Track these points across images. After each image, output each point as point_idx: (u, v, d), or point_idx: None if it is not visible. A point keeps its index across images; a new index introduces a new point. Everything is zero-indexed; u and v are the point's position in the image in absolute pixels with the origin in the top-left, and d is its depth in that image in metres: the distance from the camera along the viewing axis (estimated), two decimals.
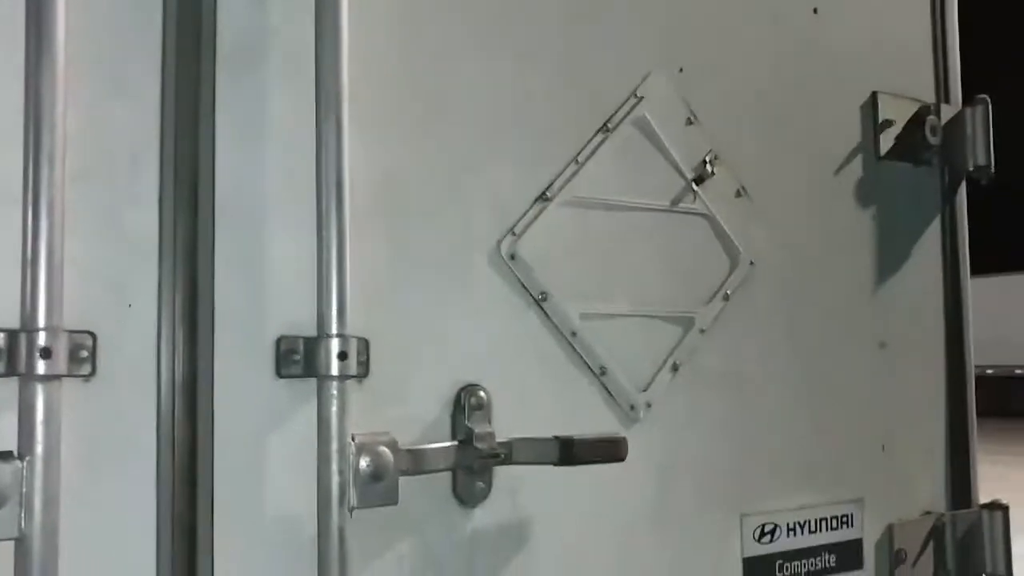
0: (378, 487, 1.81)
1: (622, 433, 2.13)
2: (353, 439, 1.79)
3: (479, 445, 1.97)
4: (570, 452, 2.02)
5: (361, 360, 1.87)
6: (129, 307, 1.70)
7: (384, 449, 1.83)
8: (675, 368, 2.31)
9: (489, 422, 2.03)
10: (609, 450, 2.08)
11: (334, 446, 1.77)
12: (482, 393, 2.03)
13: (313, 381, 1.81)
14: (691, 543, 2.32)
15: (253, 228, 1.81)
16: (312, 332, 1.80)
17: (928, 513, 2.78)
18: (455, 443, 1.97)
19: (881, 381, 2.72)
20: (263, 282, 1.81)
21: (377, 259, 1.93)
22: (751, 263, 2.47)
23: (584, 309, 2.18)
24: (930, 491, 2.81)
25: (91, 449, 1.64)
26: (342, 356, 1.78)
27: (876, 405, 2.71)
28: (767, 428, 2.47)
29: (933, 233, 2.89)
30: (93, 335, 1.65)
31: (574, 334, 2.16)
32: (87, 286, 1.65)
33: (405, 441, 1.87)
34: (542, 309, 2.13)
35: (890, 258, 2.78)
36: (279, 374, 1.81)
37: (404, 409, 1.95)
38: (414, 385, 1.97)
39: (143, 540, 1.67)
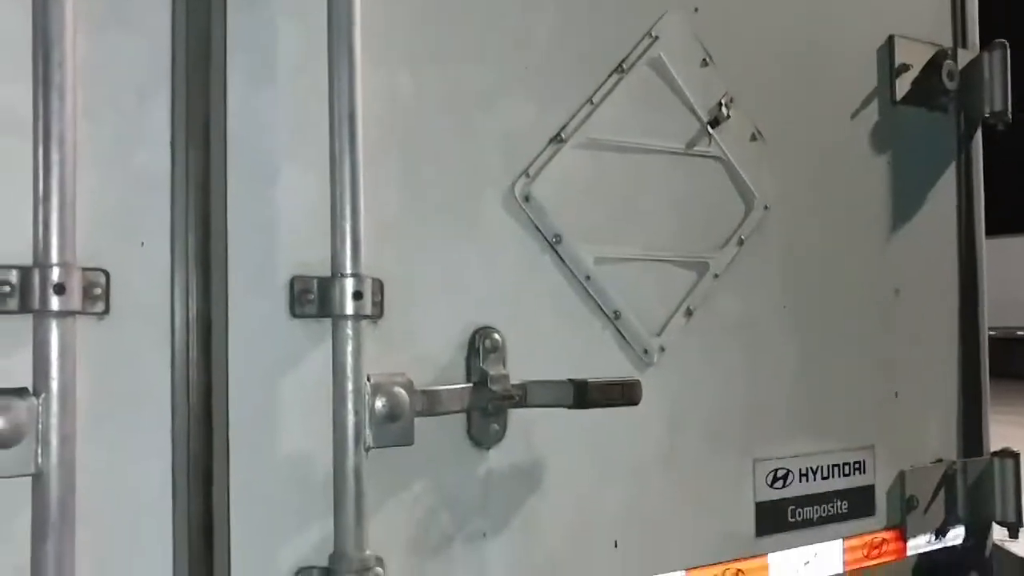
0: (393, 427, 1.80)
1: (635, 377, 2.13)
2: (369, 379, 1.78)
3: (494, 387, 1.96)
4: (584, 395, 2.01)
5: (375, 301, 1.85)
6: (142, 245, 1.68)
7: (400, 390, 1.82)
8: (689, 313, 2.30)
9: (503, 364, 2.01)
10: (624, 393, 2.07)
11: (350, 386, 1.76)
12: (496, 335, 2.01)
13: (328, 322, 1.79)
14: (703, 487, 2.31)
15: (266, 165, 1.78)
16: (326, 272, 1.78)
17: (939, 461, 2.77)
18: (470, 385, 1.96)
19: (895, 328, 2.71)
20: (276, 221, 1.79)
21: (390, 199, 1.91)
22: (766, 207, 2.44)
23: (598, 252, 2.16)
24: (942, 439, 2.81)
25: (106, 388, 1.62)
26: (357, 296, 1.76)
27: (889, 352, 2.70)
28: (780, 373, 2.46)
29: (948, 181, 2.86)
30: (106, 273, 1.63)
31: (588, 278, 2.15)
32: (99, 224, 1.63)
33: (420, 383, 1.86)
34: (556, 252, 2.11)
35: (905, 205, 2.75)
36: (293, 314, 1.79)
37: (418, 351, 1.93)
38: (428, 327, 1.95)
39: (158, 479, 1.66)
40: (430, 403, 1.88)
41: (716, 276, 2.34)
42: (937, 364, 2.81)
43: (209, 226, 1.73)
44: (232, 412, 1.72)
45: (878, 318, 2.68)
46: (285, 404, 1.78)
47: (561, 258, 2.12)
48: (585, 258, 2.14)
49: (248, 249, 1.76)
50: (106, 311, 1.63)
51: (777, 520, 2.43)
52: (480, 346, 1.99)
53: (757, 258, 2.42)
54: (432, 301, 1.96)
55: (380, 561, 1.81)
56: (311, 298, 1.81)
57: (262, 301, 1.77)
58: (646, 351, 2.22)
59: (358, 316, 1.76)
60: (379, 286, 1.87)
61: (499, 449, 2.02)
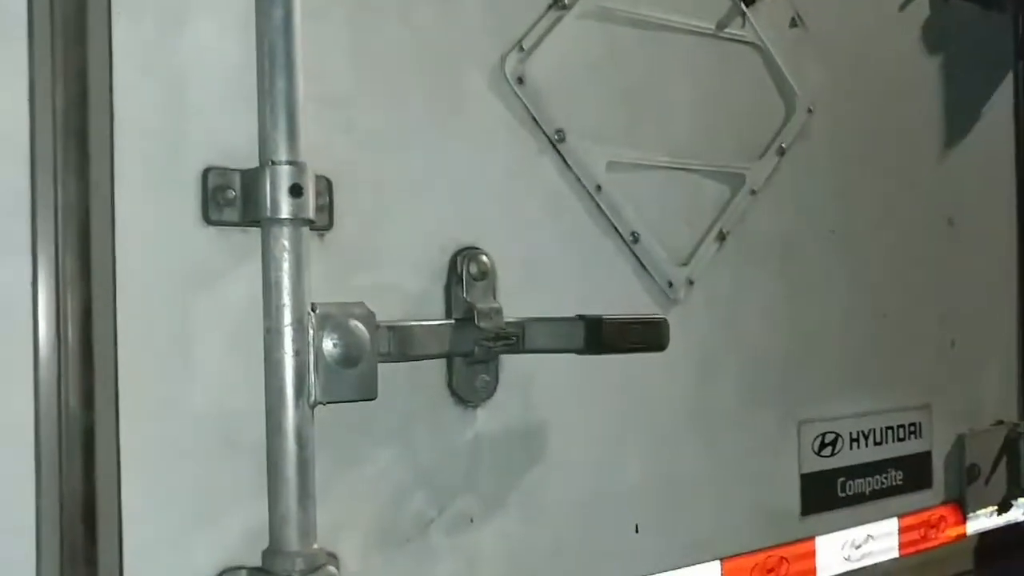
0: (349, 375, 1.31)
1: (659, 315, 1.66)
2: (313, 309, 1.29)
3: (483, 325, 1.47)
4: (598, 337, 1.53)
5: (321, 204, 1.36)
6: None
7: (357, 324, 1.32)
8: (721, 237, 1.83)
9: (493, 296, 1.53)
10: (647, 335, 1.60)
11: (287, 318, 1.26)
12: (484, 258, 1.52)
13: (255, 231, 1.30)
14: (740, 455, 1.85)
15: (167, 11, 1.28)
16: (252, 162, 1.29)
17: (1000, 423, 2.35)
18: (451, 322, 1.47)
19: (948, 263, 2.27)
20: (181, 91, 1.28)
21: (338, 69, 1.41)
22: (809, 110, 1.98)
23: (611, 155, 1.68)
24: (1000, 396, 2.38)
25: None
26: (295, 191, 1.26)
27: (944, 291, 2.26)
28: (827, 315, 2.01)
29: (1004, 94, 2.43)
30: None
31: (599, 188, 1.67)
32: None
33: (384, 319, 1.36)
34: (558, 153, 1.63)
35: (957, 118, 2.31)
36: (207, 220, 1.29)
37: (380, 277, 1.44)
38: (393, 245, 1.45)
39: (15, 441, 1.16)
40: (399, 343, 1.39)
41: (753, 192, 1.88)
42: (994, 305, 2.39)
43: (86, 90, 1.22)
44: (122, 353, 1.22)
45: (930, 251, 2.24)
46: (197, 343, 1.28)
47: (565, 161, 1.63)
48: (595, 162, 1.66)
49: (142, 129, 1.25)
50: None
51: (825, 495, 1.98)
52: (464, 271, 1.50)
53: (800, 172, 1.96)
54: (398, 211, 1.46)
55: (333, 558, 1.33)
56: (231, 197, 1.30)
57: (163, 202, 1.27)
58: (670, 284, 1.75)
59: (298, 220, 1.27)
60: (326, 185, 1.38)
61: (489, 407, 1.53)
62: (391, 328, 1.38)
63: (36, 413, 1.17)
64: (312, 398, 1.27)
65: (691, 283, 1.77)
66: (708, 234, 1.81)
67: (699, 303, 1.79)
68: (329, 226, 1.38)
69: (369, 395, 1.32)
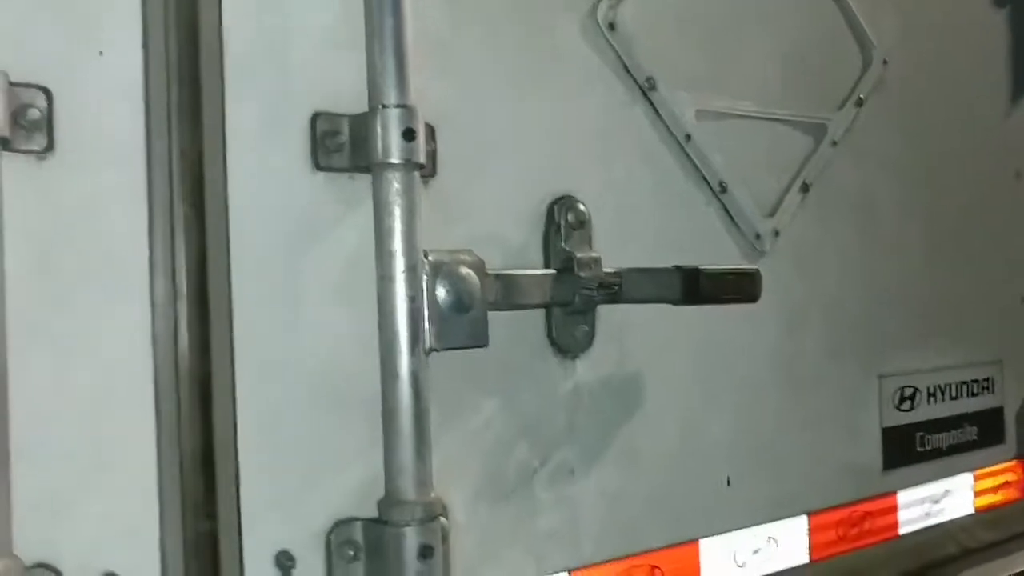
0: (461, 323, 1.29)
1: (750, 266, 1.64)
2: (426, 256, 1.27)
3: (583, 274, 1.45)
4: (696, 288, 1.51)
5: (428, 151, 1.34)
6: (100, 55, 1.14)
7: (468, 271, 1.31)
8: (805, 188, 1.81)
9: (590, 246, 1.51)
10: (742, 286, 1.58)
11: (400, 264, 1.24)
12: (581, 207, 1.50)
13: (363, 179, 1.28)
14: (824, 407, 1.84)
15: None
16: (361, 106, 1.26)
17: None
18: (552, 271, 1.46)
19: (1017, 217, 2.25)
20: (289, 36, 1.26)
21: (436, 16, 1.38)
22: (884, 61, 1.95)
23: (700, 104, 1.66)
24: None
25: (58, 247, 1.10)
26: (408, 135, 1.24)
27: (1013, 246, 2.23)
28: (904, 266, 1.99)
29: None
30: (46, 91, 1.10)
31: (688, 137, 1.64)
32: (35, 23, 1.10)
33: (492, 264, 1.35)
34: (649, 101, 1.60)
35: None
36: (317, 166, 1.27)
37: (480, 226, 1.42)
38: (492, 193, 1.43)
39: (135, 390, 1.14)
40: (505, 292, 1.37)
41: (834, 143, 1.86)
42: None
43: (197, 34, 1.20)
44: (236, 304, 1.20)
45: (999, 204, 2.22)
46: (309, 292, 1.26)
47: (655, 109, 1.61)
48: (684, 111, 1.64)
49: (251, 74, 1.23)
50: (50, 147, 1.10)
51: (905, 450, 1.96)
52: (562, 220, 1.48)
53: (877, 123, 1.94)
54: (497, 159, 1.44)
55: (444, 508, 1.31)
56: (341, 143, 1.28)
57: (274, 148, 1.24)
58: (758, 235, 1.73)
59: (409, 164, 1.24)
60: (431, 133, 1.35)
61: (588, 358, 1.52)
62: (498, 276, 1.36)
63: (154, 366, 1.15)
64: (427, 345, 1.25)
65: (776, 234, 1.75)
66: (792, 185, 1.79)
67: (784, 255, 1.76)
68: (433, 173, 1.36)
69: (480, 342, 1.31)
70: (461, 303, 1.28)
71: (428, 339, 1.26)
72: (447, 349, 1.27)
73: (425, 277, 1.26)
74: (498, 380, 1.42)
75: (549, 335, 1.48)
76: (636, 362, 1.57)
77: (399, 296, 1.24)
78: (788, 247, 1.77)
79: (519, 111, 1.46)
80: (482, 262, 1.32)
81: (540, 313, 1.47)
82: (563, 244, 1.48)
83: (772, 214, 1.75)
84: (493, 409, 1.41)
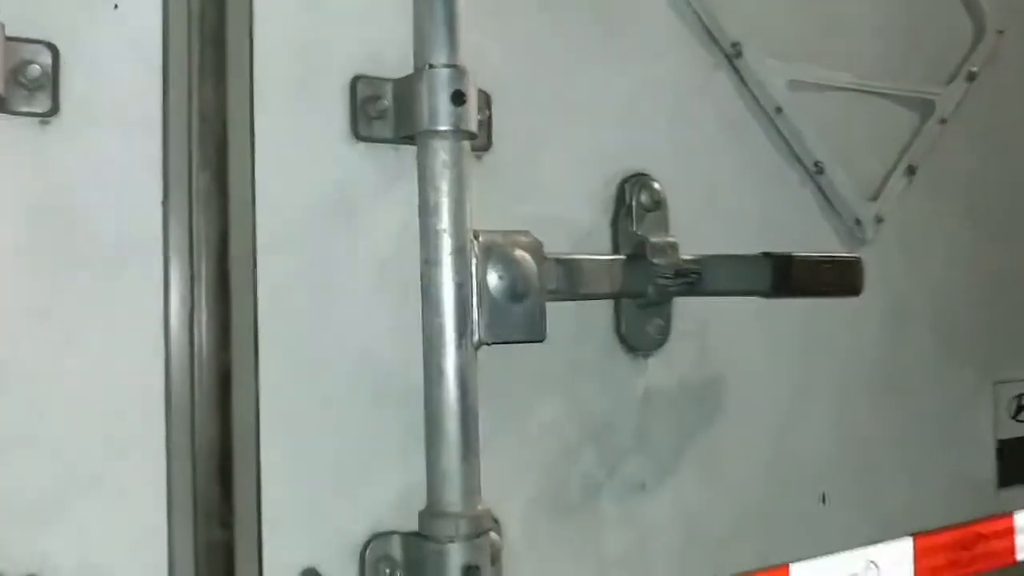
0: (515, 313, 1.14)
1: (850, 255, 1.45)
2: (477, 237, 1.12)
3: (657, 261, 1.28)
4: (788, 277, 1.33)
5: (481, 119, 1.19)
6: (115, 8, 1.02)
7: (524, 255, 1.15)
8: (911, 171, 1.61)
9: (666, 230, 1.34)
10: (842, 277, 1.39)
11: (447, 246, 1.09)
12: (656, 186, 1.34)
13: (408, 151, 1.13)
14: (933, 417, 1.63)
15: None
16: (406, 68, 1.12)
17: None
18: (622, 257, 1.29)
19: None
20: None
21: None
22: (999, 32, 1.74)
23: (792, 74, 1.48)
24: None
25: (60, 226, 0.98)
26: (457, 98, 1.09)
27: None
28: (1019, 255, 1.77)
29: None
30: (52, 48, 0.98)
31: (779, 110, 1.46)
32: None
33: (547, 251, 1.19)
34: (734, 69, 1.43)
35: None
36: (357, 135, 1.13)
37: (542, 205, 1.26)
38: (556, 170, 1.28)
39: (147, 370, 1.01)
40: (567, 280, 1.21)
41: (943, 121, 1.65)
42: None
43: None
44: (261, 287, 1.07)
45: None
46: (343, 276, 1.12)
47: (741, 78, 1.43)
48: (775, 80, 1.46)
49: (284, 34, 1.09)
50: (55, 109, 0.98)
51: (1023, 465, 1.74)
52: (634, 201, 1.32)
53: (990, 99, 1.73)
54: (561, 132, 1.28)
55: (496, 523, 1.16)
56: (383, 109, 1.14)
57: (307, 116, 1.11)
58: (858, 221, 1.54)
59: (459, 132, 1.09)
60: (484, 99, 1.20)
61: (661, 356, 1.35)
62: (559, 262, 1.20)
63: (167, 355, 1.02)
64: (476, 338, 1.10)
65: (879, 221, 1.56)
66: (897, 166, 1.59)
67: (889, 244, 1.57)
68: (488, 146, 1.21)
69: (537, 336, 1.15)
70: (515, 291, 1.13)
71: (477, 331, 1.10)
72: (499, 343, 1.12)
73: (475, 261, 1.11)
74: (558, 379, 1.26)
75: (618, 330, 1.31)
76: (717, 362, 1.40)
77: (445, 282, 1.09)
78: (892, 235, 1.58)
79: (587, 78, 1.30)
80: (540, 244, 1.16)
81: (608, 305, 1.31)
82: (635, 228, 1.31)
83: (874, 198, 1.56)
84: (553, 412, 1.26)
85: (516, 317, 1.13)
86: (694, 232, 1.35)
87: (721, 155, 1.41)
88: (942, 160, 1.65)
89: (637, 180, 1.32)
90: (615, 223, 1.31)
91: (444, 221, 1.10)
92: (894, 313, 1.57)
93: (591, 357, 1.29)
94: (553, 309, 1.18)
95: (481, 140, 1.20)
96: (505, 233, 1.15)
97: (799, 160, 1.48)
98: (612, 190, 1.32)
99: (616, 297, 1.29)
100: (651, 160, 1.34)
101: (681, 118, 1.38)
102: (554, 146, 1.27)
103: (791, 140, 1.47)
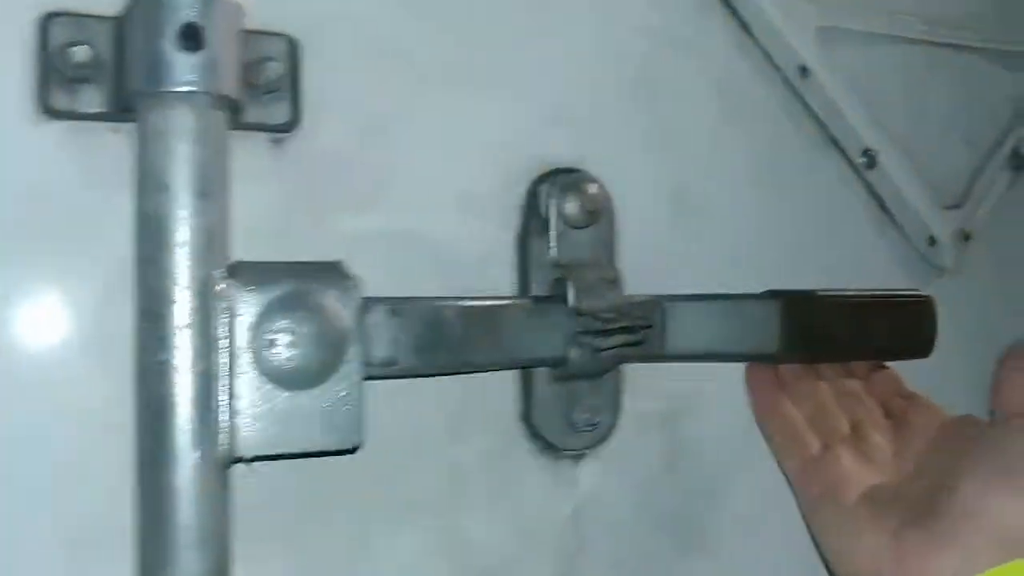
0: (304, 405, 0.66)
1: (917, 290, 0.94)
2: (230, 275, 0.65)
3: (584, 305, 0.79)
4: (808, 331, 0.85)
5: (272, 79, 0.72)
6: None
7: (325, 301, 0.67)
8: (1018, 162, 1.09)
9: (609, 255, 0.85)
10: (900, 329, 0.90)
11: (177, 282, 0.63)
12: (593, 188, 0.84)
13: (126, 129, 0.67)
14: None
15: None
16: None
17: None
18: (525, 301, 0.80)
19: None
20: None
21: None
22: None
23: (824, 19, 0.97)
24: None
25: None
26: (189, 36, 0.63)
27: None
28: None
29: None
30: None
31: (804, 70, 0.96)
32: None
33: (384, 291, 0.71)
34: (733, 11, 0.94)
35: None
36: (47, 109, 0.68)
37: (390, 216, 0.79)
38: (417, 159, 0.80)
39: None
40: (414, 341, 0.73)
41: None
42: None
43: None
44: None
45: None
46: (33, 330, 0.67)
47: (743, 23, 0.94)
48: (797, 29, 0.95)
49: None
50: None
51: None
52: (553, 211, 0.83)
53: None
54: (430, 97, 0.80)
55: None
56: (90, 61, 0.68)
57: None
58: (932, 240, 1.02)
59: (201, 97, 0.63)
60: (285, 48, 0.74)
61: (599, 460, 0.86)
62: (396, 310, 0.72)
63: None
64: (224, 449, 0.63)
65: (966, 238, 1.04)
66: (994, 157, 1.07)
67: (979, 273, 1.05)
68: (294, 124, 0.74)
69: (343, 441, 0.67)
70: (305, 366, 0.66)
71: (228, 439, 0.64)
72: (264, 458, 0.65)
73: (227, 312, 0.64)
74: (426, 503, 0.78)
75: (525, 418, 0.83)
76: (696, 464, 0.90)
77: (173, 344, 0.63)
78: (984, 260, 1.06)
79: (479, 11, 0.83)
80: (357, 284, 0.69)
81: (509, 378, 0.82)
82: (553, 253, 0.82)
83: (958, 205, 1.04)
84: (412, 554, 0.78)
85: (305, 411, 0.66)
86: (656, 260, 0.85)
87: (706, 140, 0.91)
88: None
89: (561, 178, 0.83)
90: (522, 245, 0.83)
91: (174, 257, 0.63)
92: (983, 377, 1.04)
93: (481, 463, 0.80)
94: (386, 391, 0.71)
95: (280, 114, 0.73)
96: (292, 267, 0.68)
97: (836, 146, 0.97)
98: (520, 193, 0.83)
99: (513, 367, 0.80)
100: (588, 147, 0.85)
101: (644, 82, 0.89)
102: (415, 121, 0.79)
103: (823, 116, 0.96)
